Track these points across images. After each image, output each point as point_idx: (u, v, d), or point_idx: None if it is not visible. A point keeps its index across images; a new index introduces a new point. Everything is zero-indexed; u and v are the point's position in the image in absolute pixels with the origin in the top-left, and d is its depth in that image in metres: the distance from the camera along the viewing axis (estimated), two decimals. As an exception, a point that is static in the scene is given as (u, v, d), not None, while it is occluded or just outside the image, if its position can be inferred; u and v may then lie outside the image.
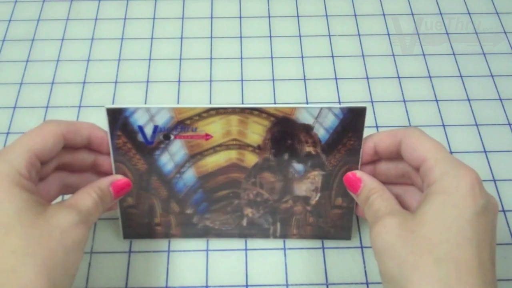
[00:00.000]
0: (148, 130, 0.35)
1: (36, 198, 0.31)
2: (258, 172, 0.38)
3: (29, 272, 0.27)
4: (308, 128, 0.35)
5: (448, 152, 0.32)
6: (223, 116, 0.35)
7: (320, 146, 0.36)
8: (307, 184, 0.38)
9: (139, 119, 0.35)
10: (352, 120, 0.35)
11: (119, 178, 0.36)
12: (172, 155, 0.37)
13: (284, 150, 0.36)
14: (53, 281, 0.28)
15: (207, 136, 0.36)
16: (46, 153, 0.32)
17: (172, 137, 0.36)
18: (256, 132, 0.36)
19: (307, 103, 0.49)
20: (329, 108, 0.34)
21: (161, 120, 0.35)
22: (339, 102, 0.49)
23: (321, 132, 0.35)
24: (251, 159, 0.37)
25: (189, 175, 0.38)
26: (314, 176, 0.37)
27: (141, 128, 0.35)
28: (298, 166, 0.37)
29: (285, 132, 0.36)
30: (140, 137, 0.36)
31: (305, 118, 0.35)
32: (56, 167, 0.35)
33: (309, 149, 0.36)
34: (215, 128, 0.36)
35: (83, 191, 0.34)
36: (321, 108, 0.34)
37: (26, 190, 0.30)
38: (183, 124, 0.35)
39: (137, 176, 0.37)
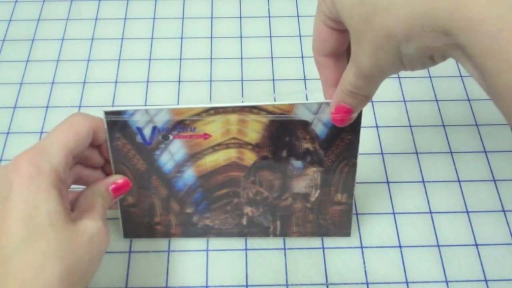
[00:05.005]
0: (147, 131, 0.35)
1: (65, 204, 0.31)
2: (257, 170, 0.38)
3: (55, 274, 0.28)
4: (305, 124, 0.36)
5: None
6: (222, 115, 0.35)
7: (318, 142, 0.36)
8: (306, 180, 0.38)
9: (138, 120, 0.35)
10: None
11: (117, 178, 0.36)
12: (172, 155, 0.37)
13: (282, 147, 0.37)
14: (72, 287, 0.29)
15: (206, 136, 0.36)
16: (79, 149, 0.33)
17: (171, 137, 0.36)
18: (255, 130, 0.36)
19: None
20: (327, 103, 0.34)
21: (160, 121, 0.35)
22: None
23: (319, 127, 0.36)
24: (250, 157, 0.37)
25: (189, 174, 0.38)
26: (313, 173, 0.37)
27: (139, 130, 0.35)
28: (296, 163, 0.37)
29: (282, 129, 0.36)
30: (139, 138, 0.36)
31: (304, 114, 0.35)
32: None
33: (307, 145, 0.36)
34: (214, 128, 0.36)
35: (89, 195, 0.34)
36: (321, 104, 0.35)
37: (60, 194, 0.30)
38: (182, 124, 0.35)
39: (137, 176, 0.37)
